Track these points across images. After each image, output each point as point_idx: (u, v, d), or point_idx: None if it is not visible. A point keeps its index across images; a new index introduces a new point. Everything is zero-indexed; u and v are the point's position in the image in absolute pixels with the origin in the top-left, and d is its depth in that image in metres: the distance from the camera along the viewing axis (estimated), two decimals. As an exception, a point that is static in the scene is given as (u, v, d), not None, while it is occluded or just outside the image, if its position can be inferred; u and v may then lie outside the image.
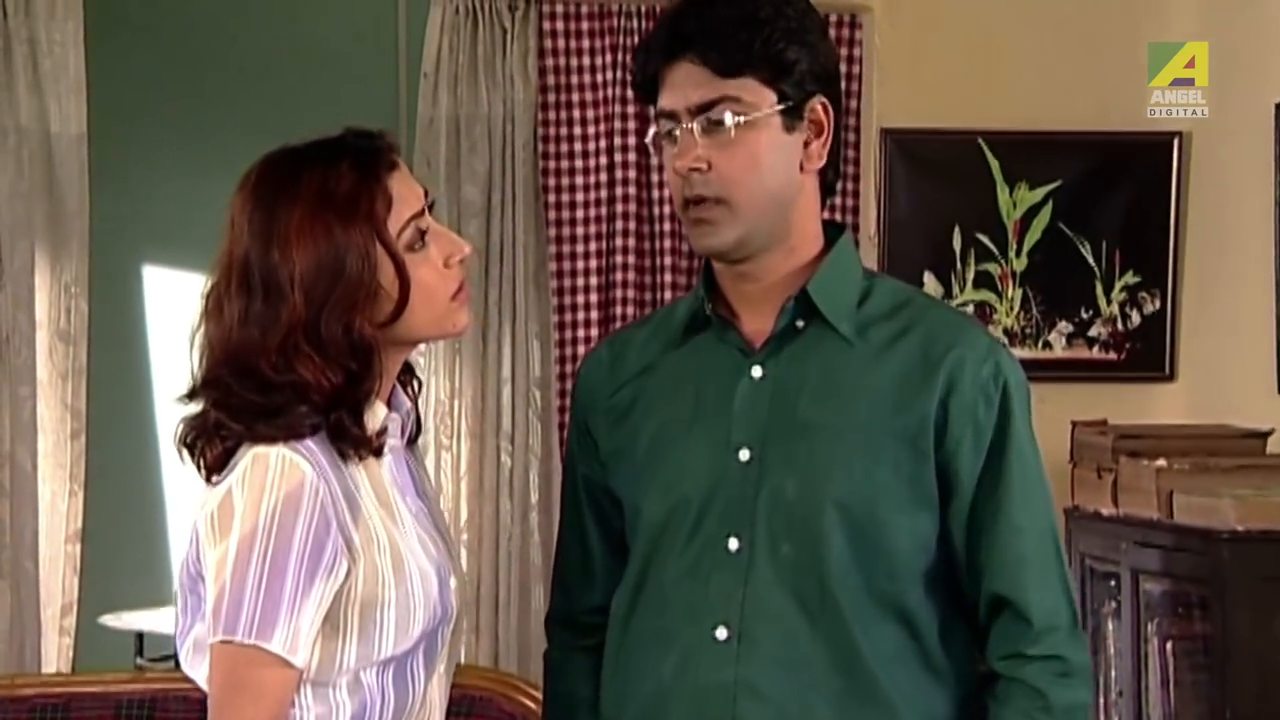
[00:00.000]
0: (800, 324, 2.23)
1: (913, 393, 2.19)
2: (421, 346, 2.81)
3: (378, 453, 2.16)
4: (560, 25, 4.91)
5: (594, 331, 4.89)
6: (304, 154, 2.15)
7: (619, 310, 4.93)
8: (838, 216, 4.81)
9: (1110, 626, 4.20)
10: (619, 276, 4.94)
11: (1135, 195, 4.90)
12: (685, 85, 2.19)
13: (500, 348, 4.95)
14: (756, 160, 2.19)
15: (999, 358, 2.23)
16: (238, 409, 2.09)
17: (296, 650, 2.05)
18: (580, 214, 4.93)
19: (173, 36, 5.70)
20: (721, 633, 2.18)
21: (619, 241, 4.93)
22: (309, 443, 2.09)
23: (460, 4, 4.91)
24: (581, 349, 4.86)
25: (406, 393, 2.30)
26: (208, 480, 2.14)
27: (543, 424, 4.97)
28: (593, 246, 4.94)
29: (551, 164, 4.93)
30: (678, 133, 2.21)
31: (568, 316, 4.93)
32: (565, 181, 4.94)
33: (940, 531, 2.21)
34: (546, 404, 4.97)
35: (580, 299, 4.93)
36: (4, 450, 4.69)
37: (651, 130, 2.28)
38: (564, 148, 4.93)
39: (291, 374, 2.08)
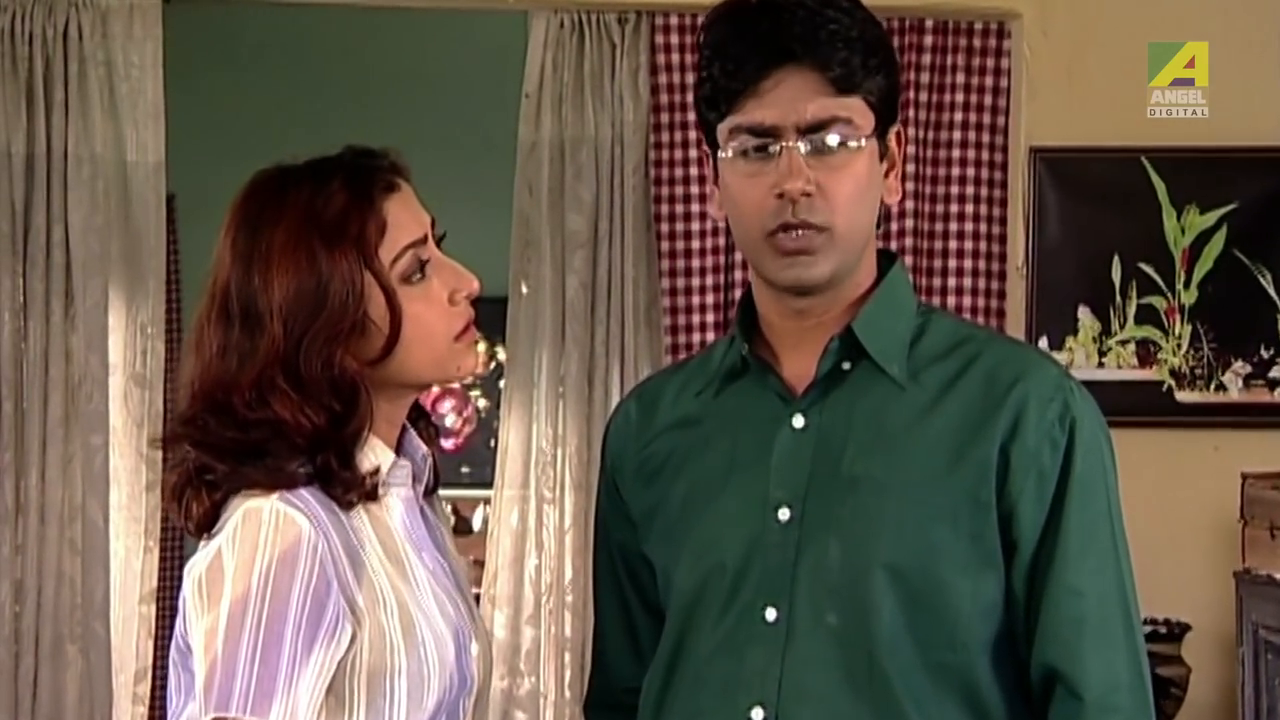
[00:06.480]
0: (847, 366, 2.09)
1: (972, 438, 2.03)
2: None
3: (373, 495, 2.04)
4: (674, 39, 4.54)
5: (711, 374, 4.50)
6: (294, 172, 2.06)
7: (738, 350, 4.52)
8: (980, 245, 4.56)
9: (1288, 708, 3.83)
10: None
11: (1324, 219, 4.52)
12: (794, 98, 2.02)
13: (608, 392, 4.58)
14: (860, 188, 2.06)
15: (1068, 395, 2.06)
16: (218, 448, 1.99)
17: None
18: (695, 245, 4.56)
19: (257, 60, 5.52)
20: (758, 714, 2.03)
21: (738, 275, 4.52)
22: (304, 493, 1.97)
23: (565, 17, 4.56)
24: (697, 392, 4.49)
25: (421, 438, 2.17)
26: (198, 539, 2.02)
27: (654, 476, 4.57)
28: (709, 281, 4.55)
29: (664, 190, 4.55)
30: (774, 149, 2.03)
31: (681, 357, 4.52)
32: (679, 210, 4.56)
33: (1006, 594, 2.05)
34: (659, 454, 4.57)
35: (695, 338, 4.54)
36: (74, 503, 4.44)
37: (731, 145, 2.06)
38: (678, 173, 4.54)
39: (266, 411, 1.98)
